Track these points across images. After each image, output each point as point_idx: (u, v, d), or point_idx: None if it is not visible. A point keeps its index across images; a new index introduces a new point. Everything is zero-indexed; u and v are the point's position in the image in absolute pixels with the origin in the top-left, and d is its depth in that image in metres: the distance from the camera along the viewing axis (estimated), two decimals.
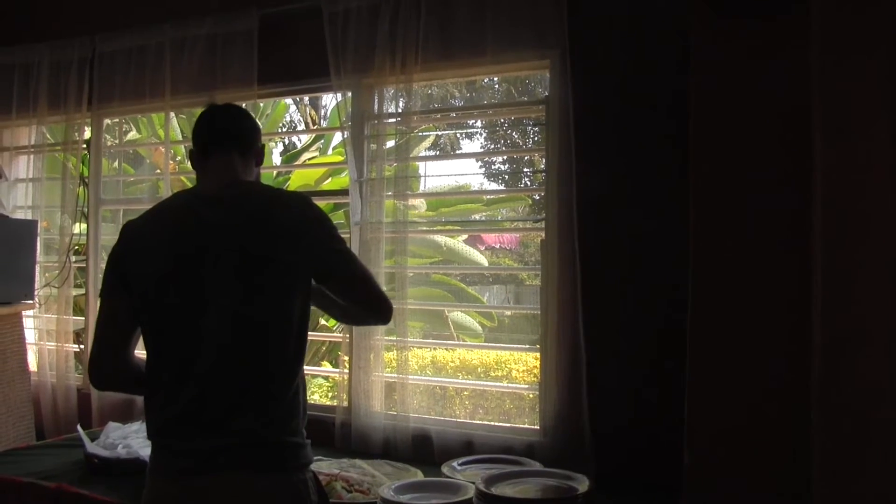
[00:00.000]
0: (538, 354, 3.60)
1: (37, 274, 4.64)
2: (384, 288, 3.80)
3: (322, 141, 9.81)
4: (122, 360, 2.37)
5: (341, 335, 4.00)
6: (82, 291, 5.02)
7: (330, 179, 8.35)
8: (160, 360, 2.32)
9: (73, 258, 4.83)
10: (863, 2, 2.35)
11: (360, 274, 2.45)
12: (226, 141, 2.49)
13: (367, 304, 2.49)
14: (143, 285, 2.31)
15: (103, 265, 4.88)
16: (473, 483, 2.98)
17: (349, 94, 3.96)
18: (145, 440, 3.53)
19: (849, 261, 2.30)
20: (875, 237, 2.26)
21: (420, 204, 8.78)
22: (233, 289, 2.24)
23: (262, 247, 2.26)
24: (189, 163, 2.57)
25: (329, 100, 12.48)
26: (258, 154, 2.58)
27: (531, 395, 6.41)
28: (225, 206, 2.33)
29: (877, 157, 2.27)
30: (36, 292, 4.62)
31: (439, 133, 8.99)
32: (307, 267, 2.31)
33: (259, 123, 2.67)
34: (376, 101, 3.91)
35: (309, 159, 9.51)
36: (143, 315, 2.32)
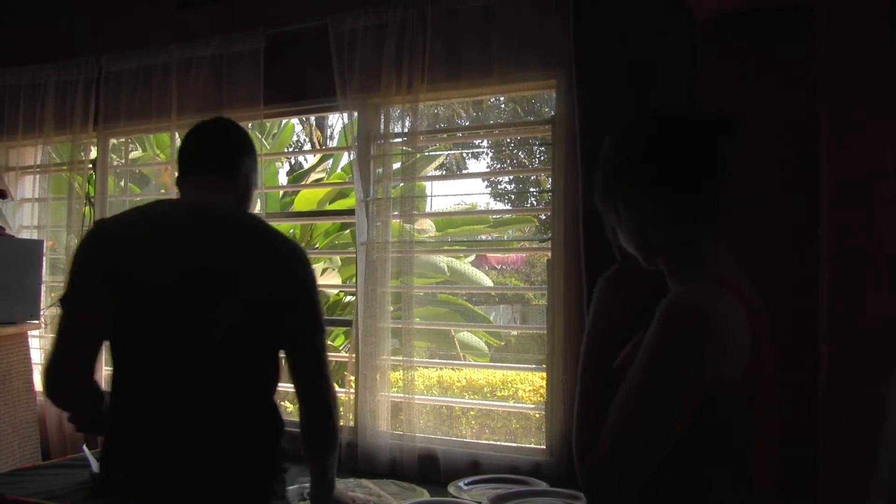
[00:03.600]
0: (544, 374, 3.59)
1: (42, 294, 4.64)
2: (391, 308, 3.81)
3: (331, 161, 9.83)
4: (89, 372, 2.20)
5: (347, 355, 4.00)
6: None
7: (338, 201, 8.35)
8: (132, 388, 2.20)
9: None
10: (866, 21, 2.36)
11: (322, 354, 2.36)
12: (203, 161, 2.39)
13: (311, 384, 2.35)
14: (131, 288, 2.16)
15: None
16: (480, 503, 2.98)
17: (355, 113, 3.97)
18: None
19: (855, 277, 2.29)
20: (883, 253, 2.26)
21: (430, 227, 8.79)
22: (218, 323, 2.16)
23: (250, 282, 2.20)
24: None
25: (335, 120, 12.52)
26: (244, 175, 2.44)
27: (537, 415, 6.40)
28: (220, 233, 2.25)
29: (884, 168, 2.27)
30: (42, 312, 4.62)
31: (446, 153, 9.01)
32: (289, 315, 2.26)
33: (250, 140, 2.55)
34: (382, 120, 3.91)
35: (315, 180, 9.53)
36: (124, 325, 2.17)
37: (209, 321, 2.17)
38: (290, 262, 2.30)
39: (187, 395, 2.15)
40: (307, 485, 3.19)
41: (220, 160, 2.40)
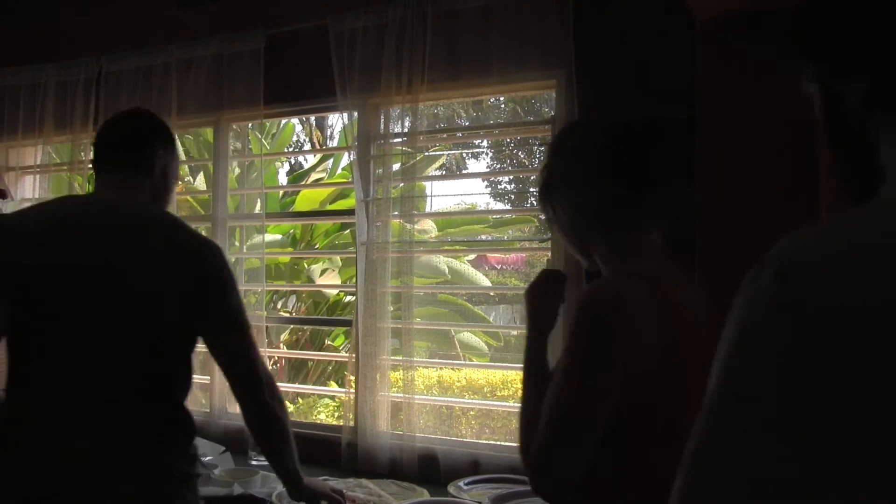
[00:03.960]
0: None
1: None
2: (391, 308, 3.81)
3: (331, 161, 9.84)
4: None
5: (347, 355, 4.00)
6: None
7: (338, 201, 8.35)
8: (27, 390, 2.15)
9: None
10: None
11: (249, 349, 2.31)
12: (113, 156, 2.33)
13: (240, 380, 2.32)
14: (26, 286, 2.12)
15: None
16: (480, 503, 2.97)
17: (355, 113, 3.97)
18: None
19: None
20: None
21: (431, 228, 8.80)
22: (119, 321, 2.12)
23: (155, 280, 2.14)
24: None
25: (335, 120, 12.52)
26: (160, 169, 2.38)
27: None
28: (122, 229, 2.19)
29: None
30: None
31: (446, 153, 9.02)
32: (199, 315, 2.21)
33: (166, 131, 2.52)
34: (382, 120, 3.91)
35: (315, 180, 9.53)
36: (18, 323, 2.13)
37: (109, 320, 2.11)
38: (204, 260, 2.25)
39: (87, 398, 2.10)
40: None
41: (131, 155, 2.35)
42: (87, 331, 2.11)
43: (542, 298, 1.97)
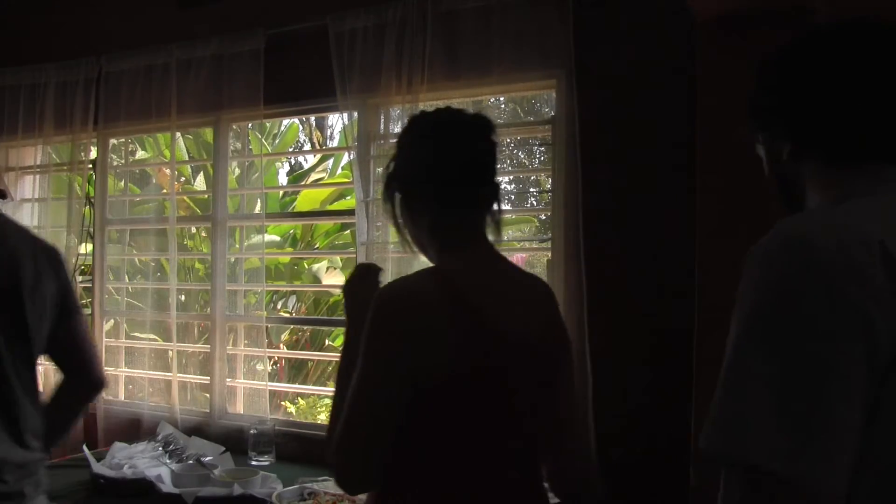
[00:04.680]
0: None
1: None
2: None
3: (331, 161, 9.82)
4: None
5: None
6: (88, 311, 5.02)
7: (339, 201, 8.33)
8: None
9: (79, 278, 4.82)
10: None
11: (86, 339, 2.35)
12: None
13: (78, 366, 2.35)
14: None
15: (109, 285, 4.91)
16: None
17: (355, 114, 3.97)
18: (151, 460, 3.54)
19: None
20: None
21: None
22: None
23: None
24: None
25: (335, 120, 12.50)
26: None
27: None
28: None
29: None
30: None
31: None
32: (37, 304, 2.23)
33: None
34: (382, 120, 3.91)
35: (315, 180, 9.52)
36: None
37: None
38: (46, 257, 2.31)
39: None
40: (308, 485, 3.19)
41: None
42: None
43: (359, 293, 1.96)
